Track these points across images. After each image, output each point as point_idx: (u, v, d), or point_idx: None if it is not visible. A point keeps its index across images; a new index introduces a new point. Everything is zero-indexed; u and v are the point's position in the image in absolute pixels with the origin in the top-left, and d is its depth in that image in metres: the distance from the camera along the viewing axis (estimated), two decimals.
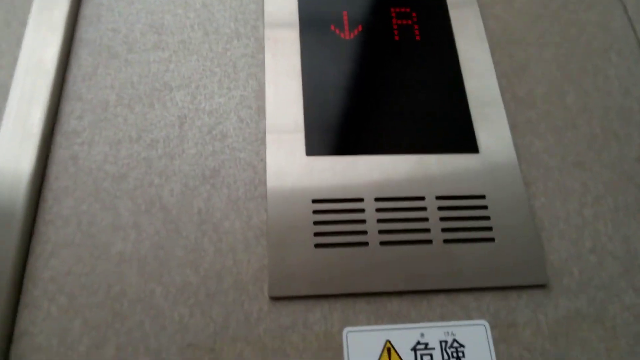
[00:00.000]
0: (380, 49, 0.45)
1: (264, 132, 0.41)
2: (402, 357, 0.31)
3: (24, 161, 0.38)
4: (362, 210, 0.37)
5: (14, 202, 0.36)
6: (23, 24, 0.68)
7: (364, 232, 0.36)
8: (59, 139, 0.40)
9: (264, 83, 0.43)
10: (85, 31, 0.45)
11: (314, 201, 0.37)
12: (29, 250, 0.35)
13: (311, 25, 0.46)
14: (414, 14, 0.47)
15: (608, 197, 0.40)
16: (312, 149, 0.40)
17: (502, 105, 0.42)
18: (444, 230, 0.37)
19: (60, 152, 0.39)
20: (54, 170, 0.38)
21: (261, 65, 0.44)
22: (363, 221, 0.37)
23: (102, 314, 0.33)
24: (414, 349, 0.32)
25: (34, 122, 0.39)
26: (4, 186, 0.37)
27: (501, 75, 0.45)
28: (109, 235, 0.36)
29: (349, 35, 0.45)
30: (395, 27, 0.46)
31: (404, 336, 0.31)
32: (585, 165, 0.41)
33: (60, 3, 0.45)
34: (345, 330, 0.32)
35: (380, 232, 0.36)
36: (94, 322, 0.33)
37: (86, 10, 0.46)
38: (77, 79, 0.42)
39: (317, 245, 0.35)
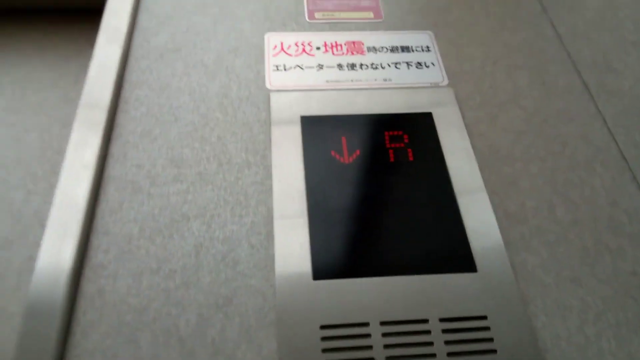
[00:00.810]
0: (377, 171, 0.49)
1: (273, 258, 0.44)
2: None
3: (57, 297, 0.41)
4: (369, 336, 0.39)
5: (47, 339, 0.39)
6: (58, 152, 0.75)
7: None
8: (88, 273, 0.43)
9: (272, 208, 0.47)
10: (112, 168, 0.50)
11: (322, 327, 0.39)
12: None
13: (313, 151, 0.50)
14: (406, 137, 0.52)
15: (608, 313, 0.41)
16: (319, 273, 0.42)
17: (495, 222, 0.45)
18: (449, 354, 0.38)
19: (88, 286, 0.42)
20: (82, 304, 0.41)
21: (269, 191, 0.48)
22: (370, 347, 0.38)
23: None
24: None
25: (66, 258, 0.43)
26: (38, 322, 0.40)
27: (492, 192, 0.48)
28: None
29: (348, 159, 0.50)
30: (390, 149, 0.51)
31: None
32: (582, 281, 0.42)
33: (93, 143, 0.51)
34: None
35: (388, 358, 0.38)
36: None
37: (114, 149, 0.51)
38: (105, 214, 0.47)
39: None
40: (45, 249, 0.44)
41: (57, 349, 0.39)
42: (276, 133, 0.52)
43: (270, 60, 0.59)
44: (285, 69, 0.57)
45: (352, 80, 0.56)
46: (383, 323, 0.40)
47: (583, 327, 0.40)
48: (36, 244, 0.65)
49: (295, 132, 0.52)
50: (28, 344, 0.39)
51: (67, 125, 0.78)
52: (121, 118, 0.54)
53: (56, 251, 0.44)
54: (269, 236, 0.45)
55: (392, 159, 0.50)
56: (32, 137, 0.77)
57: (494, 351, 0.38)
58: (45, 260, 0.44)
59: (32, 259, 0.63)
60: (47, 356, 0.38)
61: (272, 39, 0.61)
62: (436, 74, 0.57)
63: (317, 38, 0.61)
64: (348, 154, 0.50)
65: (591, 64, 0.56)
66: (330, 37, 0.61)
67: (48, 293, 0.41)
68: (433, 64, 0.58)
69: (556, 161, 0.50)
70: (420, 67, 0.57)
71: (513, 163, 0.50)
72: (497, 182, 0.49)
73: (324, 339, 0.39)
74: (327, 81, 0.56)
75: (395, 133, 0.52)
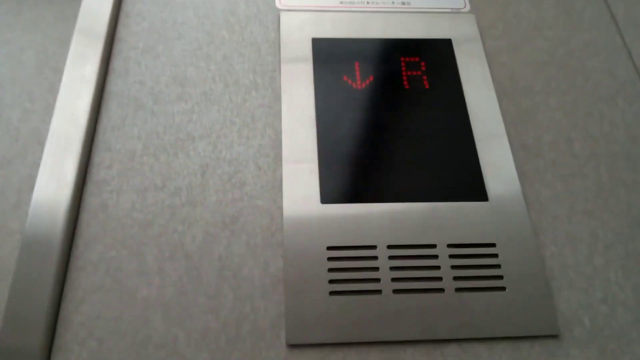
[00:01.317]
0: (391, 98, 0.47)
1: (281, 180, 0.43)
2: None
3: (59, 210, 0.40)
4: (375, 258, 0.39)
5: (50, 249, 0.39)
6: (55, 71, 0.72)
7: (377, 280, 0.38)
8: (90, 188, 0.42)
9: (281, 132, 0.45)
10: (114, 84, 0.48)
11: (329, 248, 0.39)
12: (61, 296, 0.37)
13: (325, 76, 0.48)
14: (423, 64, 0.49)
15: (618, 245, 0.40)
16: (327, 197, 0.41)
17: (510, 153, 0.44)
18: (455, 278, 0.38)
19: (91, 200, 0.41)
20: (85, 217, 0.41)
21: (278, 114, 0.46)
22: (376, 269, 0.38)
23: (129, 359, 0.35)
24: None
25: (67, 172, 0.42)
26: (40, 234, 0.39)
27: (509, 124, 0.46)
28: (136, 280, 0.38)
29: (360, 85, 0.48)
30: (404, 76, 0.48)
31: None
32: (594, 214, 0.42)
33: (93, 58, 0.49)
34: None
35: (393, 279, 0.38)
36: None
37: (115, 64, 0.49)
38: (107, 130, 0.45)
39: (332, 293, 0.37)
40: (46, 163, 0.43)
41: (60, 261, 0.39)
42: (286, 55, 0.49)
43: None
44: None
45: (368, 3, 0.53)
46: (390, 246, 0.39)
47: (592, 258, 0.40)
48: (35, 163, 0.64)
49: (306, 54, 0.49)
50: (30, 256, 0.39)
51: (64, 43, 0.74)
52: (122, 32, 0.51)
53: (58, 166, 0.43)
54: (277, 159, 0.44)
55: (406, 86, 0.48)
56: (28, 55, 0.73)
57: (500, 277, 0.38)
58: (47, 174, 0.42)
59: (31, 177, 0.62)
60: (50, 268, 0.38)
61: None
62: None
63: None
64: (361, 79, 0.48)
65: None
66: None
67: (50, 207, 0.41)
68: None
69: (577, 95, 0.48)
70: None
71: (533, 95, 0.48)
72: (515, 114, 0.47)
73: (330, 259, 0.39)
74: (342, 2, 0.53)
75: (412, 59, 0.49)
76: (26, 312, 0.37)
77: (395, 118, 0.46)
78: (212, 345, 0.35)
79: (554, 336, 0.36)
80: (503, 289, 0.38)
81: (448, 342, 0.36)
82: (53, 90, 0.67)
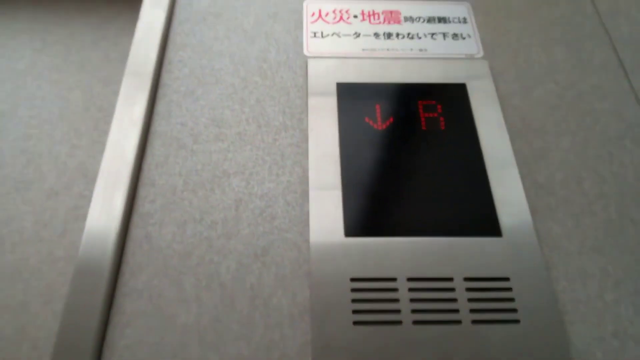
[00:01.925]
0: (410, 138, 0.51)
1: (307, 214, 0.46)
2: None
3: (109, 240, 0.45)
4: (396, 290, 0.42)
5: (100, 276, 0.43)
6: (100, 109, 0.79)
7: (398, 311, 0.40)
8: (136, 220, 0.47)
9: (308, 169, 0.49)
10: (158, 125, 0.53)
11: (352, 279, 0.42)
12: (108, 320, 0.41)
13: (348, 117, 0.52)
14: (439, 106, 0.53)
15: (628, 281, 0.42)
16: (350, 230, 0.45)
17: (522, 191, 0.47)
18: (472, 311, 0.40)
19: (136, 232, 0.46)
20: (131, 247, 0.45)
21: (305, 153, 0.51)
22: (397, 300, 0.41)
23: None
24: None
25: (116, 205, 0.47)
26: (91, 262, 0.44)
27: (521, 163, 0.49)
28: (175, 308, 0.42)
29: (381, 126, 0.52)
30: (422, 118, 0.52)
31: None
32: (604, 251, 0.44)
33: (140, 101, 0.54)
34: None
35: (413, 311, 0.40)
36: None
37: (160, 107, 0.54)
38: (152, 167, 0.50)
39: (355, 323, 0.40)
40: (97, 197, 0.48)
41: (108, 287, 0.43)
42: (313, 98, 0.54)
43: (309, 26, 0.60)
44: (322, 36, 0.59)
45: (388, 49, 0.58)
46: (410, 279, 0.42)
47: (602, 294, 0.42)
48: (80, 195, 0.69)
49: (331, 98, 0.54)
50: (83, 283, 0.43)
51: (108, 83, 0.81)
52: (166, 78, 0.56)
53: (107, 200, 0.47)
54: (304, 194, 0.48)
55: (424, 127, 0.51)
56: (76, 95, 0.80)
57: (514, 310, 0.41)
58: (98, 207, 0.47)
59: (77, 208, 0.67)
60: (99, 293, 0.42)
61: (310, 6, 0.62)
62: (472, 46, 0.58)
63: (355, 6, 0.62)
64: (381, 120, 0.52)
65: (629, 41, 0.56)
66: (368, 5, 0.62)
67: (101, 236, 0.45)
68: (469, 36, 0.58)
69: (587, 136, 0.51)
70: (456, 38, 0.58)
71: (544, 136, 0.51)
72: (527, 154, 0.50)
73: (353, 290, 0.42)
74: (364, 49, 0.58)
75: (429, 102, 0.53)
76: (77, 335, 0.41)
77: (414, 157, 0.49)
78: None
79: None
80: (517, 321, 0.40)
81: None
82: (98, 127, 0.73)
